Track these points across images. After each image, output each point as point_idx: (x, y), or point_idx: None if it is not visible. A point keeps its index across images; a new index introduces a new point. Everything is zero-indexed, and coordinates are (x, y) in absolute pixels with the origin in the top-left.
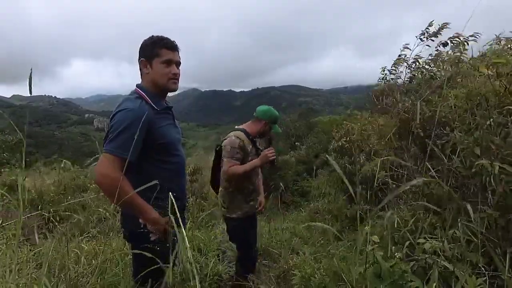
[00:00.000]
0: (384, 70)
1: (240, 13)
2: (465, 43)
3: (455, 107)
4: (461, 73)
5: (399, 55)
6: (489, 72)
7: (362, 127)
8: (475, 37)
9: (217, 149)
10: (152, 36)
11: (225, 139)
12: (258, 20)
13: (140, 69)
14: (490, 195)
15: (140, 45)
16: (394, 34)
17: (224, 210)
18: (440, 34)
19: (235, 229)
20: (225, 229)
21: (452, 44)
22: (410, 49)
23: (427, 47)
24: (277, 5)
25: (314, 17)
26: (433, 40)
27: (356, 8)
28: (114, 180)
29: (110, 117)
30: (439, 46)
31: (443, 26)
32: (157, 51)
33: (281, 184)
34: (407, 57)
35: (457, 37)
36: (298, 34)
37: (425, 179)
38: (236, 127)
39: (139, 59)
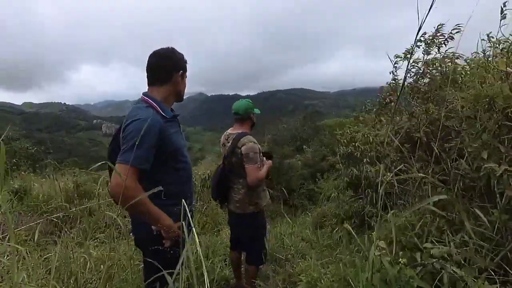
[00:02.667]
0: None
1: (247, 15)
2: (447, 41)
3: (462, 109)
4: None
5: (394, 66)
6: (508, 69)
7: (366, 133)
8: (459, 29)
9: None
10: (174, 49)
11: (238, 147)
12: (265, 21)
13: (167, 79)
14: (498, 199)
15: (170, 56)
16: (405, 33)
17: (252, 207)
18: (437, 38)
19: (261, 221)
20: (249, 225)
21: (435, 43)
22: (409, 53)
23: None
24: (283, 6)
25: (321, 18)
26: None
27: (365, 7)
28: (131, 190)
29: (123, 127)
30: (426, 47)
31: (439, 28)
32: (186, 66)
33: (283, 188)
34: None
35: (441, 35)
36: (305, 35)
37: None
38: (230, 132)
39: (175, 70)
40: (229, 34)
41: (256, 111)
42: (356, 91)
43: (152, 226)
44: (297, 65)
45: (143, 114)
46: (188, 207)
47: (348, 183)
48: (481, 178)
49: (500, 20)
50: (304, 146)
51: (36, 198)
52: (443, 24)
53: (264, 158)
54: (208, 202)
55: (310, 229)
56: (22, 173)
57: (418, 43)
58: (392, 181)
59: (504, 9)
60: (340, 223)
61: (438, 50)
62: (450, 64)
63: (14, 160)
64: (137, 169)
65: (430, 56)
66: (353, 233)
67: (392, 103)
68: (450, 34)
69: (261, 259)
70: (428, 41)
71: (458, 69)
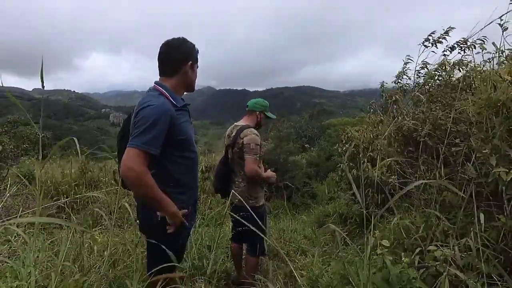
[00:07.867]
0: (382, 86)
1: (265, 9)
2: (473, 47)
3: (472, 114)
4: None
5: (403, 66)
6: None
7: (368, 132)
8: (482, 41)
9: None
10: (185, 39)
11: (240, 137)
12: (284, 19)
13: (177, 70)
14: (505, 204)
15: (180, 46)
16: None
17: (253, 201)
18: (445, 39)
19: (261, 215)
20: (250, 218)
21: (459, 48)
22: (413, 60)
23: (432, 53)
24: (304, 2)
25: (342, 16)
26: (436, 47)
27: (389, 6)
28: (140, 174)
29: (134, 112)
30: (446, 51)
31: (448, 30)
32: (197, 57)
33: (289, 184)
34: (416, 64)
35: (465, 41)
36: (324, 33)
37: (426, 180)
38: (236, 124)
39: (184, 61)
40: (243, 28)
41: (270, 115)
42: (366, 91)
43: (157, 212)
44: (311, 63)
45: (155, 101)
46: (194, 196)
47: (348, 182)
48: (489, 184)
49: (502, 32)
50: (307, 145)
51: (44, 183)
52: (453, 27)
53: (268, 169)
54: (212, 194)
55: (313, 228)
56: (32, 158)
57: (426, 44)
58: (396, 183)
59: (502, 22)
60: (342, 222)
61: (451, 51)
62: (464, 70)
63: (25, 146)
64: (147, 153)
65: (435, 57)
66: (344, 234)
67: (396, 103)
68: (443, 36)
69: (262, 251)
70: (435, 42)
71: (469, 75)
